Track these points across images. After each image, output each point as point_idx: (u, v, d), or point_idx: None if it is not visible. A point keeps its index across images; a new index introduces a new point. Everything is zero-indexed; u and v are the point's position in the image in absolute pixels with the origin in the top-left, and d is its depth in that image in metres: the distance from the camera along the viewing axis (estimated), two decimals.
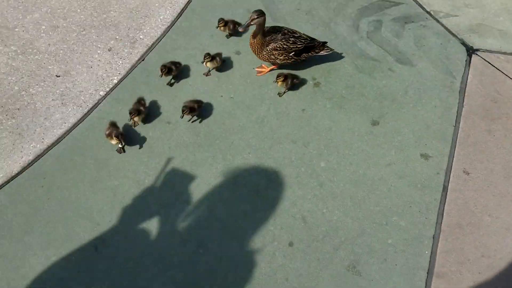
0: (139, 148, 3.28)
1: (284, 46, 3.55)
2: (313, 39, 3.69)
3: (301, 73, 3.81)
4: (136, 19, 4.06)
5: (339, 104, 3.67)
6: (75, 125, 3.36)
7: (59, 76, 3.60)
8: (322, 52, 3.74)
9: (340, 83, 3.81)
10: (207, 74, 3.73)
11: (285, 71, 3.70)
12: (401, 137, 3.49)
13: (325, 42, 3.75)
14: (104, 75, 3.66)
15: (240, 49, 3.95)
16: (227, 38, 4.01)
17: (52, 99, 3.46)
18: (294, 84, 3.67)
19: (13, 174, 3.06)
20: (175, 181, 3.15)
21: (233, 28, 3.97)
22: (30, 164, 3.13)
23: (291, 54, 3.59)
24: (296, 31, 3.64)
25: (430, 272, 2.85)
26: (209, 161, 3.27)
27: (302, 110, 3.61)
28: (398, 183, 3.23)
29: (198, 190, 3.12)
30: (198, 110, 3.44)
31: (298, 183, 3.20)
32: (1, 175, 3.04)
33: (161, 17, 4.09)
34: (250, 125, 3.48)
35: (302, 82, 3.76)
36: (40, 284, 2.65)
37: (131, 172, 3.16)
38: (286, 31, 3.58)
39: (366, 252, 2.92)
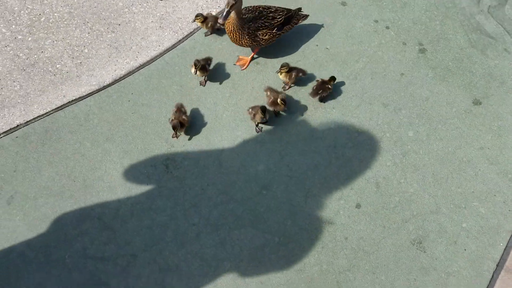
0: (220, 84, 3.40)
1: (266, 23, 3.31)
2: (288, 9, 3.43)
3: (409, 34, 3.67)
4: None
5: (442, 76, 3.50)
6: (168, 50, 3.54)
7: (161, 0, 3.79)
8: (300, 21, 3.51)
9: (448, 54, 3.62)
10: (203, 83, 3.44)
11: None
12: (502, 122, 3.28)
13: (299, 9, 3.49)
14: (204, 5, 3.79)
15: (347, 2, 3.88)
16: (205, 36, 3.66)
17: (152, 21, 3.66)
18: (300, 78, 3.40)
19: (105, 84, 3.32)
20: (252, 123, 3.23)
21: (213, 26, 3.60)
22: (121, 78, 3.37)
23: (274, 31, 3.35)
24: (270, 5, 3.39)
25: (500, 265, 2.72)
26: (297, 108, 3.31)
27: (401, 74, 3.50)
28: (487, 169, 3.07)
29: (274, 134, 3.18)
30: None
31: (380, 147, 3.15)
32: (94, 83, 3.32)
33: None
34: (341, 80, 3.45)
35: (407, 44, 3.63)
36: (111, 188, 2.91)
37: (212, 104, 3.29)
38: (261, 8, 3.35)
39: (436, 230, 2.84)
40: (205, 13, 3.66)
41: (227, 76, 3.43)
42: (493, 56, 3.62)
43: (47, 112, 3.17)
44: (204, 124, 3.20)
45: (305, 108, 3.31)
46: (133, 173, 2.98)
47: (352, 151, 3.13)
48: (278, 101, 3.15)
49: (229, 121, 3.23)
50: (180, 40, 3.59)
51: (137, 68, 3.42)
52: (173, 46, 3.56)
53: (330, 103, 3.33)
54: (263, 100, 3.28)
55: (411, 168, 3.07)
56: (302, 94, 3.38)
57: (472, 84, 3.47)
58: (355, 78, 3.46)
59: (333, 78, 3.33)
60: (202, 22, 3.55)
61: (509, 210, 2.91)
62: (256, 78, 3.43)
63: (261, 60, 3.53)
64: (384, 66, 3.53)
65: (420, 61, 3.57)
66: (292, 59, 3.52)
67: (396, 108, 3.33)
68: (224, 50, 3.55)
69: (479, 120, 3.29)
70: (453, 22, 3.78)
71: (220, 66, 3.47)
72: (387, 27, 3.74)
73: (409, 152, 3.14)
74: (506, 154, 3.13)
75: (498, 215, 2.89)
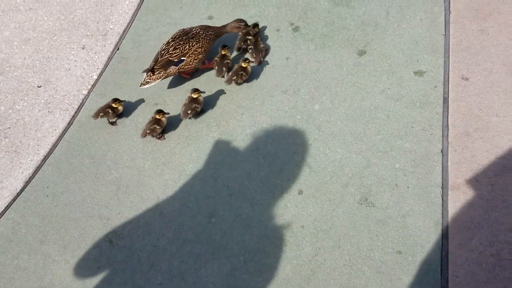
0: (132, 136, 3.25)
1: None
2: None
3: (278, 19, 3.67)
4: (103, 11, 3.96)
5: (322, 44, 3.51)
6: (65, 129, 3.33)
7: (40, 87, 3.58)
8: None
9: (319, 22, 3.64)
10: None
11: None
12: (391, 60, 3.33)
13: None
14: (83, 73, 3.61)
15: (212, 13, 3.82)
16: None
17: (39, 110, 3.45)
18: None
19: (18, 191, 3.08)
20: (175, 160, 3.10)
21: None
22: (31, 177, 3.14)
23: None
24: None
25: (444, 187, 2.75)
26: (204, 132, 3.21)
27: (286, 58, 3.48)
28: (396, 107, 3.10)
29: (199, 162, 3.07)
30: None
31: (296, 131, 3.11)
32: (7, 194, 3.07)
33: (127, 2, 3.98)
34: (237, 87, 3.38)
35: (281, 29, 3.62)
36: None
37: (129, 161, 3.14)
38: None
39: (375, 182, 2.83)
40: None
41: (130, 127, 3.28)
42: (359, 5, 3.68)
43: None
44: (130, 183, 3.04)
45: (216, 123, 3.22)
46: (80, 263, 2.77)
47: (275, 146, 3.07)
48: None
49: (153, 169, 3.09)
50: (73, 116, 3.39)
51: (42, 160, 3.20)
52: (69, 124, 3.36)
53: (237, 110, 3.26)
54: (178, 139, 3.16)
55: (330, 137, 3.05)
56: (206, 114, 3.28)
57: (350, 38, 3.50)
58: (249, 80, 3.41)
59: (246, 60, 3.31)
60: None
61: (430, 134, 2.95)
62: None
63: (159, 100, 3.41)
64: (269, 56, 3.50)
65: (298, 39, 3.56)
66: (174, 86, 3.42)
67: (295, 90, 3.30)
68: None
69: (370, 67, 3.32)
70: None
71: (120, 122, 3.32)
72: (256, 22, 3.71)
73: (322, 124, 3.12)
74: (406, 86, 3.18)
75: (423, 143, 2.92)
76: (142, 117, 3.33)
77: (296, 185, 2.90)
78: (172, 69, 3.30)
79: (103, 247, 2.81)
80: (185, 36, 3.28)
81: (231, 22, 3.43)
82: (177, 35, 3.32)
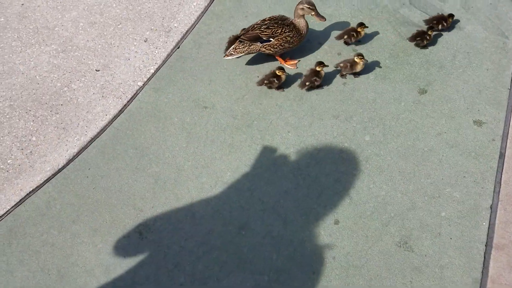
0: (178, 135, 3.26)
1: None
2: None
3: (340, 45, 3.64)
4: (170, 8, 4.04)
5: (383, 75, 3.46)
6: (115, 116, 3.39)
7: (98, 70, 3.66)
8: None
9: (383, 53, 3.60)
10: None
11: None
12: (451, 104, 3.24)
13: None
14: (141, 65, 3.68)
15: None
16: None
17: (93, 93, 3.52)
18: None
19: (59, 167, 3.14)
20: (214, 165, 3.10)
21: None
22: (75, 156, 3.19)
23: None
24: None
25: (488, 245, 2.63)
26: (247, 143, 3.19)
27: (343, 84, 3.44)
28: (450, 153, 3.00)
29: (237, 172, 3.05)
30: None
31: (342, 158, 3.06)
32: (48, 168, 3.13)
33: (194, 4, 4.05)
34: (289, 104, 3.37)
35: (342, 53, 3.59)
36: (88, 272, 2.70)
37: (171, 158, 3.15)
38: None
39: (417, 226, 2.73)
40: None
41: (177, 126, 3.30)
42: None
43: (7, 211, 2.95)
44: (168, 180, 3.05)
45: (261, 136, 3.20)
46: (107, 249, 2.78)
47: (317, 169, 3.02)
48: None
49: (192, 170, 3.09)
50: (125, 105, 3.45)
51: (88, 142, 3.25)
52: (120, 112, 3.41)
53: (284, 127, 3.24)
54: (221, 145, 3.16)
55: (377, 171, 2.98)
56: (252, 126, 3.27)
57: (413, 75, 3.44)
58: (301, 99, 3.38)
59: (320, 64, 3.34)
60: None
61: (482, 188, 2.83)
62: (208, 122, 3.31)
63: (209, 103, 3.42)
64: (326, 80, 3.46)
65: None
66: (230, 91, 3.43)
67: (347, 117, 3.25)
68: (171, 103, 3.43)
69: (429, 107, 3.24)
70: (379, 22, 3.77)
71: (168, 119, 3.34)
72: (319, 43, 3.70)
73: (370, 156, 3.05)
74: (463, 134, 3.08)
75: (473, 195, 2.81)
76: (190, 117, 3.34)
77: (333, 214, 2.84)
78: (256, 45, 3.40)
79: (133, 238, 2.81)
80: (281, 21, 3.37)
81: (295, 10, 3.35)
82: (274, 17, 3.41)
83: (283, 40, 3.35)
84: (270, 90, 3.45)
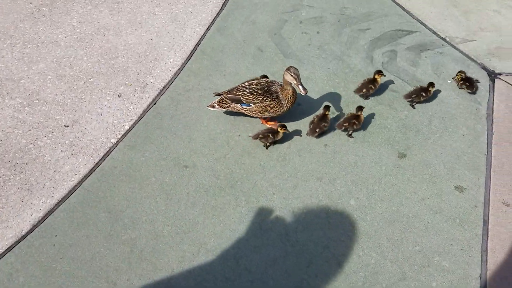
0: (156, 196, 3.06)
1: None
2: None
3: (321, 99, 3.64)
4: (145, 64, 3.92)
5: (362, 138, 3.47)
6: (86, 176, 3.15)
7: (67, 126, 3.43)
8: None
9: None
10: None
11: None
12: (431, 169, 3.27)
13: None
14: (115, 121, 3.49)
15: None
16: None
17: (61, 151, 3.27)
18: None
19: (23, 233, 2.83)
20: (196, 230, 2.90)
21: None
22: (40, 221, 2.90)
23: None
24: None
25: None
26: (232, 205, 3.04)
27: (324, 145, 3.41)
28: (435, 220, 2.99)
29: (222, 237, 2.87)
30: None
31: (329, 223, 2.96)
32: (11, 235, 2.81)
33: (171, 60, 3.96)
34: (272, 164, 3.27)
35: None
36: None
37: (148, 223, 2.93)
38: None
39: None
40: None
41: (155, 186, 3.10)
42: (401, 107, 3.69)
43: None
44: (145, 248, 2.81)
45: (245, 198, 3.06)
46: None
47: (305, 235, 2.90)
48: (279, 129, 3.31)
49: (172, 236, 2.87)
50: (97, 163, 3.22)
51: (55, 205, 2.98)
52: (91, 171, 3.18)
53: (269, 189, 3.12)
54: (203, 208, 2.98)
55: (365, 237, 2.90)
56: (236, 187, 3.13)
57: (391, 139, 3.47)
58: (284, 159, 3.31)
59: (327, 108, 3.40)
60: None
61: (469, 256, 2.81)
62: (189, 182, 3.14)
63: (189, 162, 3.26)
64: (307, 141, 3.43)
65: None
66: (211, 150, 3.30)
67: (331, 179, 3.20)
68: (148, 162, 3.24)
69: (410, 172, 3.26)
70: (354, 86, 3.82)
71: (145, 179, 3.14)
72: (298, 104, 3.68)
73: (357, 221, 2.98)
74: (446, 199, 3.09)
75: (461, 264, 2.78)
76: (169, 177, 3.16)
77: (324, 284, 2.70)
78: (236, 107, 3.39)
79: None
80: (266, 88, 3.32)
81: (283, 78, 3.28)
82: (262, 82, 3.37)
83: (262, 108, 3.31)
84: (252, 150, 3.35)
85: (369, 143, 3.44)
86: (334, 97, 3.73)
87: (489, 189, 3.13)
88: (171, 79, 3.82)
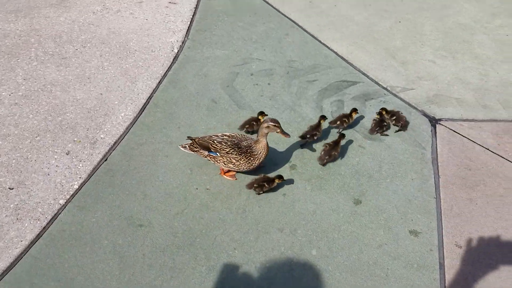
0: (108, 260, 2.86)
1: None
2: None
3: (277, 157, 3.64)
4: (95, 119, 3.79)
5: (318, 185, 3.48)
6: (33, 242, 2.91)
7: (12, 189, 3.19)
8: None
9: (316, 164, 3.66)
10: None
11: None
12: (386, 214, 3.32)
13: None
14: (63, 181, 3.29)
15: None
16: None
17: (6, 215, 3.02)
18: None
19: None
20: None
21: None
22: None
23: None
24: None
25: None
26: (191, 265, 2.90)
27: (283, 195, 3.38)
28: (394, 266, 3.00)
29: None
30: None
31: (293, 277, 2.89)
32: None
33: (122, 114, 3.85)
34: (232, 217, 3.19)
35: (279, 165, 3.58)
36: None
37: None
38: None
39: None
40: None
41: (108, 249, 2.91)
42: (353, 154, 3.77)
43: None
44: None
45: (205, 255, 2.93)
46: None
47: None
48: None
49: None
50: (44, 228, 3.00)
51: (0, 276, 2.71)
52: (38, 236, 2.95)
53: (230, 244, 3.02)
54: (160, 269, 2.81)
55: None
56: (194, 244, 3.01)
57: (346, 185, 3.51)
58: (244, 211, 3.24)
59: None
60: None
61: None
62: (144, 242, 2.97)
63: (144, 221, 3.11)
64: (266, 192, 3.39)
65: (295, 177, 3.53)
66: (167, 206, 3.18)
67: (292, 229, 3.15)
68: (99, 223, 3.05)
69: (366, 218, 3.28)
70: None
71: (97, 242, 2.94)
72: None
73: (321, 273, 2.93)
74: (403, 245, 3.13)
75: None
76: (122, 238, 2.99)
77: None
78: (204, 153, 3.37)
79: None
80: (238, 142, 3.32)
81: (261, 129, 3.28)
82: (235, 136, 3.37)
83: (227, 159, 3.29)
84: (211, 203, 3.26)
85: (326, 190, 3.46)
86: (290, 146, 3.76)
87: (442, 232, 3.21)
88: (123, 133, 3.70)
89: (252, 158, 3.30)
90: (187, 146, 3.44)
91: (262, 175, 3.40)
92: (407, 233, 3.21)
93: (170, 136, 3.73)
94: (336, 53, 4.78)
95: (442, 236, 3.19)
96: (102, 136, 3.66)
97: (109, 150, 3.56)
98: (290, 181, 3.49)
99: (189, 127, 3.82)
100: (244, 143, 3.31)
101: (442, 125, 4.06)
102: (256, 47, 4.75)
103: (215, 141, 3.31)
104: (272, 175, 3.42)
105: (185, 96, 4.11)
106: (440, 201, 3.42)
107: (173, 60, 4.46)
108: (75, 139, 3.61)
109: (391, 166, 3.69)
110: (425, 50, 4.85)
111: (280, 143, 3.78)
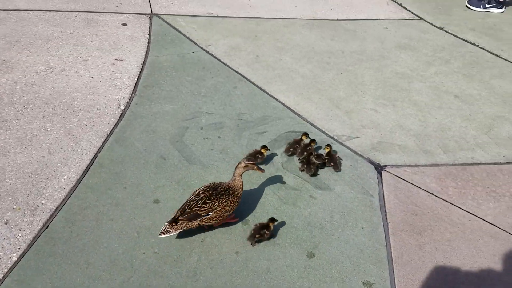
0: None
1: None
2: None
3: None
4: (36, 184, 3.58)
5: (271, 241, 3.41)
6: None
7: None
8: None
9: (268, 217, 3.59)
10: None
11: None
12: (339, 266, 3.28)
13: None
14: (1, 253, 3.04)
15: (159, 196, 3.62)
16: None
17: None
18: None
19: None
20: None
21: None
22: None
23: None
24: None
25: None
26: None
27: (236, 253, 3.28)
28: None
29: None
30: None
31: None
32: None
33: (65, 177, 3.67)
34: (182, 282, 3.03)
35: (230, 224, 3.49)
36: None
37: None
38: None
39: None
40: None
41: None
42: (304, 205, 3.74)
43: None
44: None
45: None
46: None
47: None
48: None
49: None
50: None
51: None
52: None
53: None
54: None
55: None
56: None
57: (299, 238, 3.46)
58: (195, 274, 3.10)
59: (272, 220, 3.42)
60: None
61: None
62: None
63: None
64: (217, 250, 3.28)
65: (247, 233, 3.43)
66: (112, 274, 2.99)
67: None
68: None
69: (320, 272, 3.22)
70: (260, 188, 3.84)
71: None
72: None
73: None
74: None
75: None
76: None
77: None
78: (195, 223, 3.23)
79: None
80: (215, 191, 3.28)
81: (238, 169, 3.38)
82: (207, 188, 3.31)
83: (221, 210, 3.29)
84: (159, 267, 3.09)
85: (279, 245, 3.38)
86: (242, 200, 3.69)
87: (394, 282, 3.19)
88: (65, 198, 3.50)
89: (236, 197, 3.36)
90: (169, 229, 3.16)
91: (257, 223, 3.42)
92: (361, 285, 3.16)
93: (115, 197, 3.57)
94: (283, 104, 4.85)
95: (395, 286, 3.17)
96: (43, 201, 3.45)
97: (50, 217, 3.35)
98: (243, 238, 3.40)
99: (136, 187, 3.68)
100: (220, 189, 3.33)
101: (387, 171, 4.15)
102: (205, 101, 4.74)
103: (198, 205, 3.23)
104: (231, 236, 3.32)
105: (132, 154, 3.99)
106: (391, 249, 3.43)
107: (119, 117, 4.36)
108: (15, 206, 3.38)
109: (342, 215, 3.69)
110: (366, 99, 5.02)
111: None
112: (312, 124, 4.61)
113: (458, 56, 5.94)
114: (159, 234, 3.16)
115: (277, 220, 3.43)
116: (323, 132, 4.55)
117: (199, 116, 4.55)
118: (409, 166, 4.24)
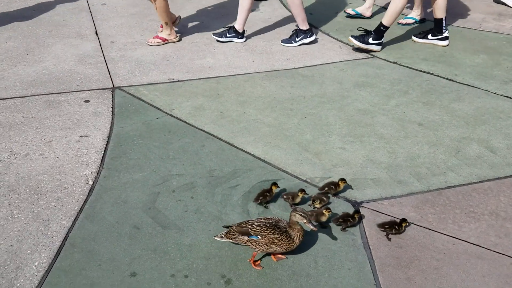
0: None
1: None
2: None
3: (208, 272, 3.38)
4: (6, 275, 3.37)
5: None
6: None
7: None
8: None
9: (251, 273, 3.44)
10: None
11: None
12: None
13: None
14: None
15: (135, 269, 3.44)
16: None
17: None
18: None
19: None
20: None
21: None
22: None
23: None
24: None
25: None
26: None
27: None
28: None
29: None
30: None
31: None
32: None
33: (36, 264, 3.47)
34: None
35: (212, 282, 3.32)
36: None
37: None
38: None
39: None
40: None
41: None
42: (287, 253, 3.61)
43: None
44: None
45: None
46: None
47: None
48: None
49: None
50: None
51: None
52: None
53: None
54: None
55: None
56: None
57: None
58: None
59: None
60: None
61: None
62: None
63: None
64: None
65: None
66: None
67: None
68: None
69: None
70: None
71: None
72: (186, 276, 3.40)
73: None
74: None
75: None
76: None
77: None
78: (243, 239, 3.34)
79: None
80: (275, 223, 3.38)
81: (290, 219, 3.39)
82: (270, 218, 3.45)
83: (269, 240, 3.29)
84: None
85: None
86: (222, 259, 3.53)
87: None
88: (38, 285, 3.30)
89: (290, 241, 3.34)
90: (223, 235, 3.44)
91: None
92: None
93: (90, 277, 3.38)
94: (253, 155, 4.82)
95: None
96: None
97: None
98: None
99: (111, 262, 3.50)
100: (281, 224, 3.38)
101: (365, 207, 4.09)
102: (175, 163, 4.68)
103: (253, 225, 3.34)
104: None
105: (104, 229, 3.83)
106: (381, 287, 3.30)
107: (88, 193, 4.23)
108: None
109: (326, 259, 3.57)
110: (333, 139, 5.04)
111: (212, 257, 3.55)
112: (283, 171, 4.57)
113: (415, 86, 6.10)
114: (215, 237, 3.48)
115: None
116: (295, 177, 4.50)
117: (170, 180, 4.46)
118: (386, 198, 4.19)
